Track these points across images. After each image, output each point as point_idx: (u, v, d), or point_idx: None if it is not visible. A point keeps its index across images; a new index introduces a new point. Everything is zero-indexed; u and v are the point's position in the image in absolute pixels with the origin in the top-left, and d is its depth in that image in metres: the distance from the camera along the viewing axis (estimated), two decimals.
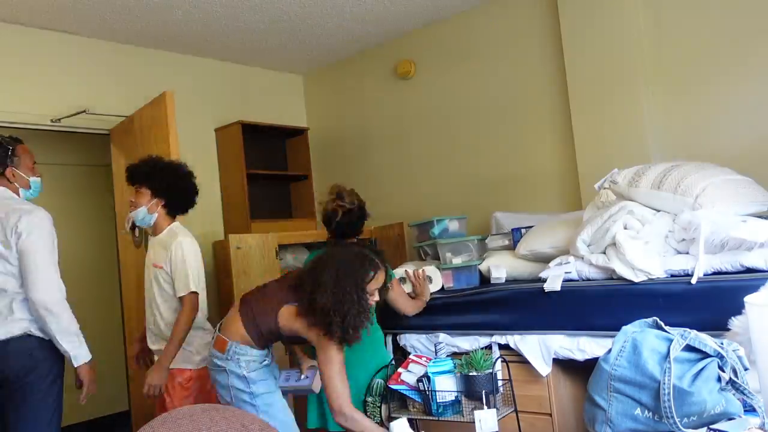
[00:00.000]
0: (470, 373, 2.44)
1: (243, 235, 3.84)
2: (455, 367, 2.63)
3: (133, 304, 3.81)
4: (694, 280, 2.37)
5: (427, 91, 4.46)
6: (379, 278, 2.37)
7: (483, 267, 3.23)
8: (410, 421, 2.39)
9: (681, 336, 1.55)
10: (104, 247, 4.96)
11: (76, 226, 4.94)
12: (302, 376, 2.76)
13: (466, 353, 2.70)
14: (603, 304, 2.59)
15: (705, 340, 1.61)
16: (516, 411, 2.61)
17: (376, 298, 2.40)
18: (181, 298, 2.78)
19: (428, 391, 2.55)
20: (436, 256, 3.45)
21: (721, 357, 1.59)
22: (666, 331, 1.63)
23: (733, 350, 1.65)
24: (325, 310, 2.23)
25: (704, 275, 2.40)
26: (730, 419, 1.54)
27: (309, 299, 2.26)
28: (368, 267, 2.33)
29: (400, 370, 2.73)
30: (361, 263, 2.32)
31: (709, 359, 1.56)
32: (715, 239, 2.46)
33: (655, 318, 1.68)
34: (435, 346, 3.13)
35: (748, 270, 2.28)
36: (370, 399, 2.79)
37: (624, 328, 1.64)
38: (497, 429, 2.42)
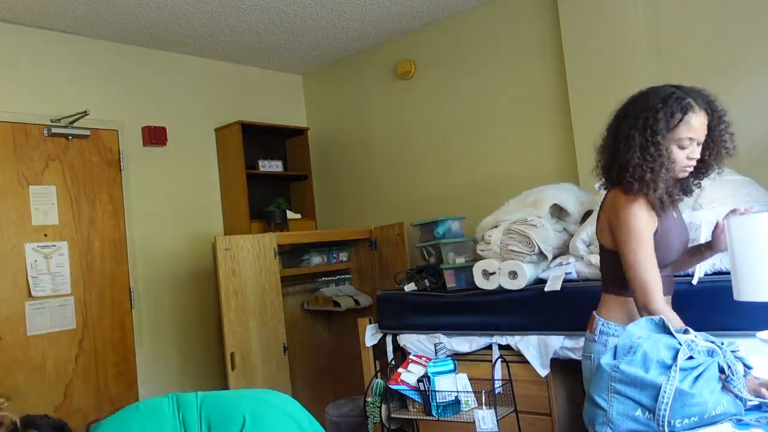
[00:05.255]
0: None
1: (235, 236, 3.84)
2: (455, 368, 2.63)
3: None
4: (695, 281, 2.37)
5: (427, 91, 4.46)
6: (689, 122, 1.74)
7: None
8: (410, 421, 2.40)
9: (687, 347, 1.55)
10: None
11: None
12: None
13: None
14: None
15: (706, 345, 1.61)
16: (516, 411, 2.61)
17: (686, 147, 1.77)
18: None
19: (428, 391, 2.55)
20: (439, 256, 3.45)
21: (714, 353, 1.60)
22: (672, 334, 1.63)
23: (732, 351, 1.65)
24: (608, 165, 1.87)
25: (704, 275, 2.41)
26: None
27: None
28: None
29: (400, 370, 2.73)
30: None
31: (710, 360, 1.56)
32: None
33: (662, 317, 1.68)
34: (435, 346, 3.13)
35: None
36: (370, 399, 2.79)
37: (628, 328, 1.64)
38: (497, 429, 2.42)
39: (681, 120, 1.74)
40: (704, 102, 1.78)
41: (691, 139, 1.76)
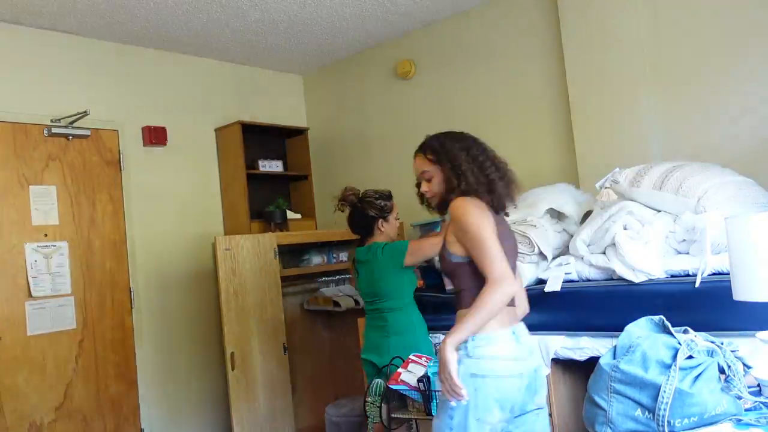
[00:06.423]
0: None
1: (235, 236, 3.84)
2: None
3: None
4: (698, 283, 2.36)
5: (427, 91, 4.46)
6: None
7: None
8: (410, 421, 2.39)
9: (687, 346, 1.54)
10: None
11: None
12: None
13: None
14: (603, 304, 2.58)
15: (705, 345, 1.61)
16: None
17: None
18: None
19: (428, 391, 2.55)
20: None
21: (713, 353, 1.60)
22: (671, 333, 1.63)
23: (732, 351, 1.65)
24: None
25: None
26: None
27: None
28: None
29: (400, 370, 2.72)
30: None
31: (710, 360, 1.56)
32: (718, 241, 2.46)
33: (661, 317, 1.68)
34: (435, 346, 3.13)
35: None
36: (369, 399, 2.78)
37: (627, 328, 1.64)
38: None
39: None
40: None
41: None
